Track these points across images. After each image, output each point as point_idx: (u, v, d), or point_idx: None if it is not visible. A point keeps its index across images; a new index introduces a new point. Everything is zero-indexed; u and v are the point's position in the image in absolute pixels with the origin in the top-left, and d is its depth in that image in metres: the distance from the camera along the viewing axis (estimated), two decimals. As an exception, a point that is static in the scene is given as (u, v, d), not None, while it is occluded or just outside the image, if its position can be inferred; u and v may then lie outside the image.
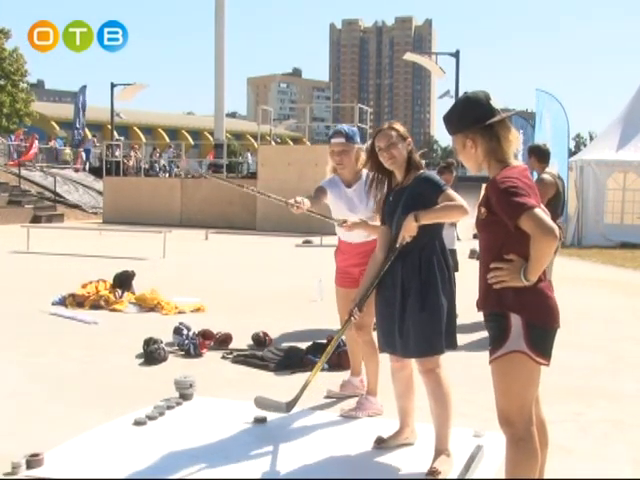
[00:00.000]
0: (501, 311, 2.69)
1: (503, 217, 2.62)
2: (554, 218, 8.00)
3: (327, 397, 4.69)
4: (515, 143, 2.80)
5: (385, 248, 3.66)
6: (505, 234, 2.65)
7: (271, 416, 4.26)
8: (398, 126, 3.74)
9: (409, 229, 3.46)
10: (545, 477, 3.45)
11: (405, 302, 3.51)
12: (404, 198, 3.57)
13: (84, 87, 32.67)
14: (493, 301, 2.72)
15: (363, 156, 4.36)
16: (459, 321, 3.77)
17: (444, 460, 3.46)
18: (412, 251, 3.51)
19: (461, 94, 22.03)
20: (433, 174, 3.63)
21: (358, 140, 4.49)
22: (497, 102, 2.79)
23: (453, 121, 2.85)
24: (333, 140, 4.45)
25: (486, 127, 2.74)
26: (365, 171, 4.41)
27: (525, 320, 2.65)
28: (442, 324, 3.49)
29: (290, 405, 4.01)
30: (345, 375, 5.19)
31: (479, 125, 2.74)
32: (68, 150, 31.83)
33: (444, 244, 3.64)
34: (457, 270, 7.10)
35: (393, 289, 3.57)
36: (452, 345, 3.61)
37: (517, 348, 2.66)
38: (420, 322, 3.47)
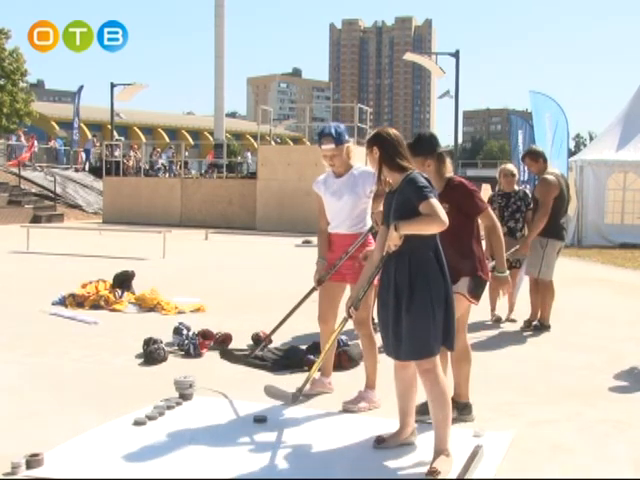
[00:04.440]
0: None
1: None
2: (559, 217, 8.03)
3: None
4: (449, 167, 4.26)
5: (382, 248, 3.66)
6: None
7: (271, 416, 4.27)
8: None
9: (392, 239, 3.48)
10: (546, 477, 3.46)
11: (398, 304, 3.52)
12: (394, 202, 3.59)
13: (81, 87, 32.72)
14: None
15: (354, 150, 4.62)
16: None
17: (444, 460, 3.45)
18: (403, 252, 3.51)
19: (461, 94, 22.10)
20: (418, 176, 3.54)
21: (346, 137, 4.56)
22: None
23: (419, 147, 4.13)
24: (323, 146, 4.53)
25: (437, 154, 4.14)
26: (359, 164, 4.64)
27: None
28: (432, 326, 3.47)
29: (295, 397, 4.14)
30: (344, 375, 5.21)
31: (435, 152, 4.16)
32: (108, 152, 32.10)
33: (437, 244, 3.60)
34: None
35: (387, 291, 3.59)
36: (450, 345, 3.61)
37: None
38: (407, 324, 3.48)
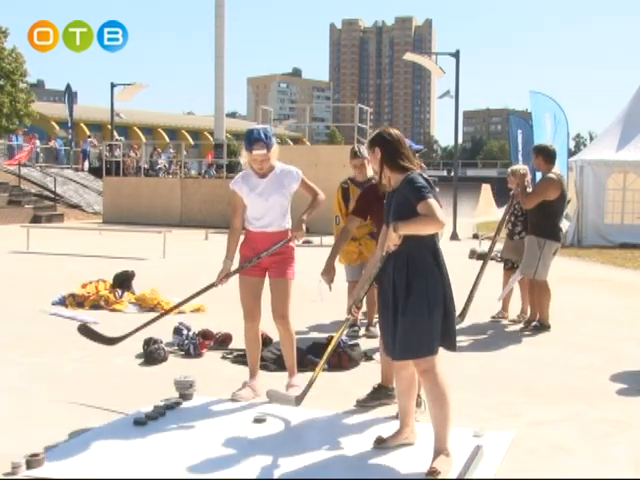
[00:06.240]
0: None
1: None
2: (557, 218, 8.06)
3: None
4: None
5: (383, 247, 3.67)
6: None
7: (271, 416, 4.27)
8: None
9: (392, 239, 3.48)
10: (545, 477, 3.46)
11: (395, 304, 3.53)
12: (394, 202, 3.60)
13: (70, 89, 32.75)
14: None
15: (277, 150, 4.60)
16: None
17: (443, 460, 3.45)
18: (401, 253, 3.52)
19: (461, 94, 22.07)
20: (417, 176, 3.53)
21: (274, 140, 4.56)
22: None
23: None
24: (255, 152, 4.47)
25: None
26: (278, 163, 4.66)
27: None
28: (428, 327, 3.46)
29: (298, 399, 4.11)
30: (344, 375, 5.21)
31: None
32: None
33: (435, 243, 3.60)
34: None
35: (387, 292, 3.60)
36: (450, 346, 3.60)
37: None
38: (402, 324, 3.48)
